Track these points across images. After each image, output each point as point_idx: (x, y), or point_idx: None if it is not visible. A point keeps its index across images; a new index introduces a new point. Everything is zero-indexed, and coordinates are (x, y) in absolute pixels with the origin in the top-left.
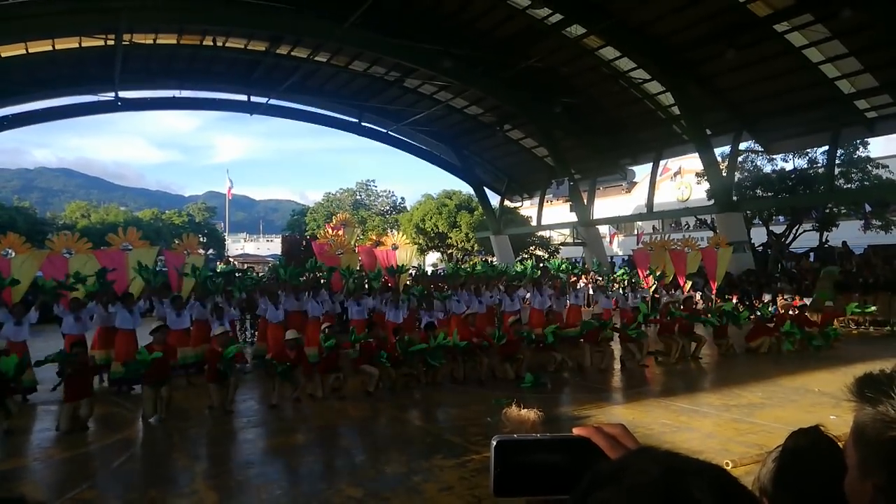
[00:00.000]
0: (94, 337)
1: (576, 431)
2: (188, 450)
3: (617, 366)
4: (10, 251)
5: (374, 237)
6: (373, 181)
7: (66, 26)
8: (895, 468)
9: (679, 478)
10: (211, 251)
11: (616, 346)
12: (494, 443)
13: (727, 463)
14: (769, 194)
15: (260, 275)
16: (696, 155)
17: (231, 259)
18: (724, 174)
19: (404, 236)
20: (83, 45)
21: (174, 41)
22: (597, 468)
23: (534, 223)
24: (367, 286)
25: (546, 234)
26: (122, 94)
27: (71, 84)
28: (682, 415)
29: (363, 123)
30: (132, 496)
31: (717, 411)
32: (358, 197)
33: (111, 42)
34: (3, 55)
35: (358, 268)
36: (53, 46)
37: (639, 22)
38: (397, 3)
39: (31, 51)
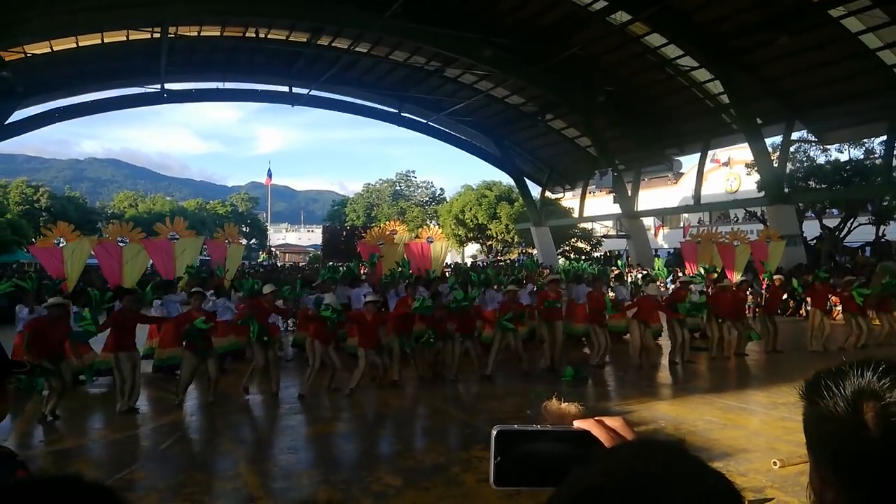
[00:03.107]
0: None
1: (576, 424)
2: (231, 435)
3: (663, 361)
4: (61, 239)
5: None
6: (412, 172)
7: (115, 20)
8: (838, 462)
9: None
10: (254, 241)
11: (664, 342)
12: (495, 432)
13: (775, 462)
14: (823, 186)
15: (301, 265)
16: (746, 145)
17: (273, 249)
18: (776, 165)
19: (440, 230)
20: (130, 38)
21: (217, 33)
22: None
23: (576, 215)
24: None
25: (588, 226)
26: (167, 85)
27: (118, 77)
28: (729, 412)
29: (403, 114)
30: (179, 478)
31: (765, 409)
32: (398, 188)
33: (157, 35)
34: (55, 49)
35: (400, 262)
36: (102, 40)
37: (686, 8)
38: None
39: (81, 44)
